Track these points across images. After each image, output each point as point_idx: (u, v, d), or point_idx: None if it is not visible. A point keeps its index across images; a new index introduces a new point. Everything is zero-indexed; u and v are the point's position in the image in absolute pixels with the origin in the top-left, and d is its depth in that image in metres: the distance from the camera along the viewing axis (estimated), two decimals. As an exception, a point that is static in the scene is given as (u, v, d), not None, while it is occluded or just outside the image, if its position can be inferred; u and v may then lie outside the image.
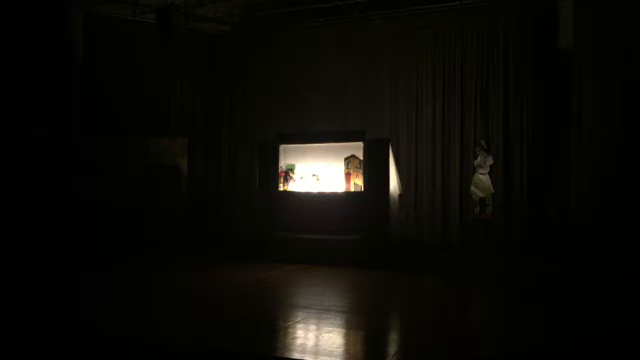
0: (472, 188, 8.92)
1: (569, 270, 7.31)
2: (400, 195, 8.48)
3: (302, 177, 8.48)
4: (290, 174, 8.49)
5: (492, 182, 8.79)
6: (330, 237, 7.83)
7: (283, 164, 8.54)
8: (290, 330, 4.72)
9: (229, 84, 11.06)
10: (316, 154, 8.47)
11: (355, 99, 10.16)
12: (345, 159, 8.27)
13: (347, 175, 8.22)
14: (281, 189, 8.44)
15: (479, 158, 8.87)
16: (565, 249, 7.90)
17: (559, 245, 8.07)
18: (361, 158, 8.10)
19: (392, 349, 4.50)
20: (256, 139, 10.05)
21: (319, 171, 8.47)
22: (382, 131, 9.64)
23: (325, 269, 7.38)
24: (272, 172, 8.41)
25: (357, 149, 8.17)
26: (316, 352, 4.18)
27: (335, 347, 4.28)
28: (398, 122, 9.86)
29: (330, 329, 4.75)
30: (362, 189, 8.03)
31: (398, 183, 8.43)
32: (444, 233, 9.34)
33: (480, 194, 8.82)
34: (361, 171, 8.08)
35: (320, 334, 4.63)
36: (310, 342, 4.46)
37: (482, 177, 8.82)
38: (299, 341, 4.43)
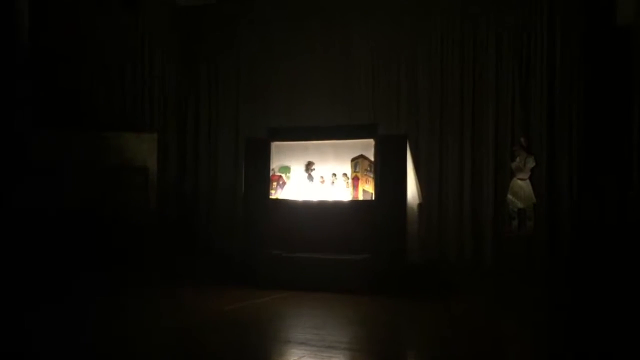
0: (510, 197, 8.93)
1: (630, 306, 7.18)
2: (420, 205, 8.47)
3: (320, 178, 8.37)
4: (284, 178, 8.49)
5: (533, 190, 8.77)
6: (333, 257, 7.82)
7: (275, 165, 8.52)
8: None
9: (210, 66, 11.07)
10: (316, 154, 8.48)
11: (364, 85, 10.17)
12: (353, 160, 8.25)
13: (355, 180, 8.20)
14: (273, 196, 8.42)
15: (517, 159, 8.89)
16: (623, 274, 7.88)
17: (615, 269, 8.05)
18: (372, 159, 8.09)
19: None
20: (242, 135, 10.00)
21: (318, 175, 8.46)
22: (398, 126, 9.64)
23: (327, 296, 7.36)
24: (261, 176, 8.40)
25: (366, 147, 8.16)
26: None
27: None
28: (417, 114, 9.80)
29: (333, 371, 4.71)
30: (373, 197, 8.02)
31: (417, 190, 8.43)
32: (473, 252, 9.35)
33: (519, 204, 8.85)
34: (372, 175, 8.06)
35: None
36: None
37: (522, 184, 8.83)
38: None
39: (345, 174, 8.24)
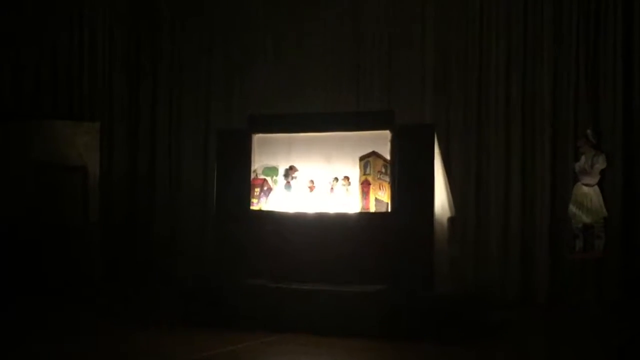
0: (572, 208, 8.97)
1: None
2: (451, 219, 8.37)
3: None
4: (270, 183, 8.37)
5: (603, 199, 8.79)
6: (336, 288, 7.73)
7: (258, 165, 8.39)
8: None
9: (173, 35, 11.20)
10: (313, 151, 8.33)
11: (377, 61, 10.27)
12: (362, 158, 8.07)
13: (365, 185, 8.04)
14: (255, 207, 8.33)
15: (582, 159, 8.96)
16: None
17: None
18: (387, 157, 7.95)
19: None
20: (215, 125, 10.07)
21: (316, 179, 8.35)
22: (422, 113, 9.67)
23: (327, 341, 7.21)
24: (240, 180, 8.34)
25: (380, 141, 8.02)
26: None
27: None
28: (448, 98, 9.87)
29: None
30: (389, 208, 7.90)
31: (448, 199, 8.32)
32: (523, 281, 9.46)
33: (585, 218, 8.93)
34: (387, 179, 7.93)
35: None
36: None
37: (588, 191, 8.90)
38: None
39: (346, 177, 8.13)
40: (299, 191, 8.33)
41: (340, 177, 8.19)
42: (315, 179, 8.32)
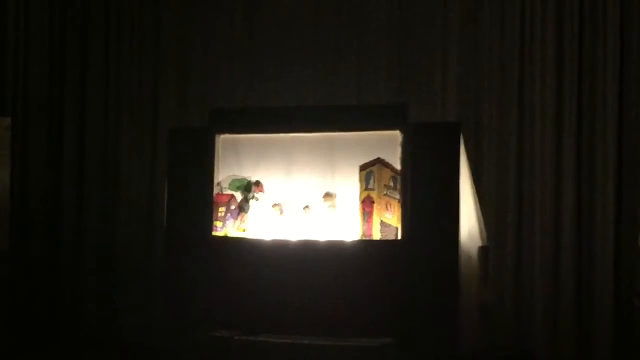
0: None
1: None
2: (483, 250, 8.49)
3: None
4: (237, 200, 8.48)
5: None
6: (329, 343, 7.72)
7: (224, 177, 8.49)
8: None
9: (108, 7, 11.53)
10: (295, 159, 8.46)
11: (383, 40, 10.49)
12: (363, 168, 8.11)
13: (367, 203, 8.07)
14: (219, 232, 8.38)
15: None
16: None
17: None
18: (397, 166, 8.01)
19: None
20: (165, 124, 10.45)
21: (305, 198, 8.39)
22: (444, 108, 9.87)
23: None
24: (198, 196, 8.39)
25: (387, 145, 8.09)
26: None
27: None
28: (478, 88, 10.08)
29: None
30: (399, 235, 7.94)
31: (478, 222, 8.45)
32: (581, 333, 9.52)
33: None
34: (397, 195, 7.98)
35: None
36: None
37: None
38: None
39: (328, 194, 8.21)
40: (260, 214, 8.38)
41: (342, 197, 8.17)
42: (306, 201, 8.33)
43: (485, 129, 9.99)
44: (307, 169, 8.38)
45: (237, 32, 11.09)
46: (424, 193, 7.80)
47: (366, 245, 7.99)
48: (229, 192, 8.42)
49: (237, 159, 8.53)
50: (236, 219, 8.42)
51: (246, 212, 8.46)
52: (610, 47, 9.72)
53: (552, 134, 9.83)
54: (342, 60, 10.59)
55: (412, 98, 9.52)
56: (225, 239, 8.33)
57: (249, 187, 8.43)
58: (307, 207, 8.24)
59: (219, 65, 10.96)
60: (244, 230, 8.40)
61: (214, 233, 8.31)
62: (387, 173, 8.01)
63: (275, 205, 8.35)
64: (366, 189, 8.05)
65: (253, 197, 8.40)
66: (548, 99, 9.89)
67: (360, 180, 8.06)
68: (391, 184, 7.99)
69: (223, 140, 8.45)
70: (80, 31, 11.59)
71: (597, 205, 9.65)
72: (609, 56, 9.75)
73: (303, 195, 8.34)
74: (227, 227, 8.38)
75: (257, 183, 8.45)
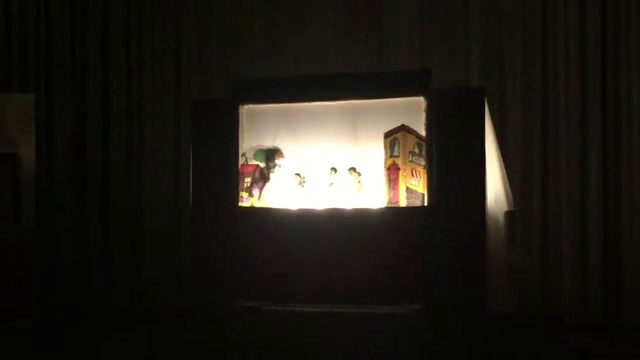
0: None
1: None
2: (509, 215, 8.46)
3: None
4: (266, 170, 8.41)
5: None
6: (357, 310, 7.71)
7: (249, 147, 8.46)
8: None
9: None
10: (320, 127, 8.43)
11: (404, 4, 10.53)
12: (387, 135, 8.09)
13: (392, 170, 8.06)
14: (245, 203, 8.38)
15: None
16: None
17: None
18: (422, 132, 7.98)
19: None
20: (188, 97, 10.35)
21: (325, 166, 8.37)
22: (468, 73, 9.94)
23: None
24: (224, 167, 8.37)
25: (411, 112, 8.04)
26: None
27: None
28: (503, 52, 10.05)
29: None
30: (425, 202, 7.94)
31: (505, 188, 8.43)
32: (608, 298, 9.47)
33: None
34: (422, 162, 7.97)
35: None
36: None
37: None
38: None
39: (352, 169, 8.21)
40: (283, 184, 8.39)
41: (343, 169, 8.19)
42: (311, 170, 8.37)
43: (509, 95, 10.07)
44: (331, 137, 8.35)
45: (260, 6, 11.10)
46: (450, 159, 7.79)
47: (393, 213, 7.99)
48: (254, 162, 8.42)
49: (261, 129, 8.50)
50: (262, 189, 8.43)
51: (268, 181, 8.46)
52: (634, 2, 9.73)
53: (575, 97, 9.87)
54: (363, 33, 10.65)
55: (435, 66, 9.51)
56: (251, 209, 8.35)
57: (271, 156, 8.44)
58: (333, 169, 8.20)
59: (243, 42, 11.04)
60: (263, 202, 8.44)
61: (240, 204, 8.32)
62: (412, 139, 7.99)
63: (297, 174, 8.34)
64: (391, 156, 8.03)
65: (275, 165, 8.41)
66: (570, 64, 9.91)
67: (385, 148, 8.06)
68: (416, 150, 7.98)
69: (247, 110, 8.46)
70: (102, 8, 11.66)
71: (623, 166, 9.70)
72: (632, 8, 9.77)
73: (327, 164, 8.30)
74: (253, 198, 8.39)
75: (277, 150, 8.44)
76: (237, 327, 7.90)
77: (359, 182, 8.15)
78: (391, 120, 8.07)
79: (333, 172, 8.24)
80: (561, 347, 8.11)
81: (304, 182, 8.31)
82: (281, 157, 8.36)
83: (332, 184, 8.24)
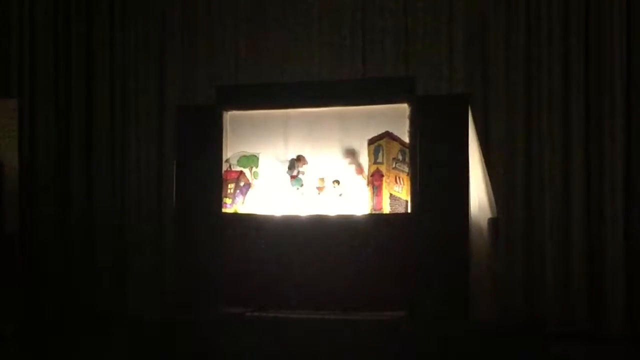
0: None
1: None
2: (492, 222, 8.45)
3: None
4: (246, 177, 8.40)
5: None
6: (340, 317, 7.73)
7: (232, 153, 8.43)
8: None
9: None
10: (303, 133, 8.42)
11: (388, 13, 10.54)
12: (371, 142, 8.07)
13: (376, 177, 8.03)
14: (229, 208, 8.35)
15: None
16: None
17: None
18: (405, 139, 7.97)
19: None
20: (171, 102, 10.48)
21: (313, 171, 8.35)
22: (451, 80, 9.97)
23: None
24: (207, 173, 8.36)
25: (395, 119, 8.05)
26: None
27: None
28: (487, 58, 10.06)
29: None
30: (409, 208, 7.92)
31: (488, 194, 8.43)
32: (592, 308, 9.61)
33: None
34: (406, 168, 7.96)
35: None
36: None
37: None
38: None
39: (336, 181, 8.20)
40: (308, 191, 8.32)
41: (328, 179, 8.18)
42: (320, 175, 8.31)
43: (492, 101, 10.07)
44: (314, 144, 8.33)
45: (242, 8, 11.08)
46: (433, 166, 7.77)
47: (376, 219, 7.98)
48: (238, 169, 8.38)
49: (245, 135, 8.45)
50: (245, 195, 8.39)
51: (300, 186, 8.36)
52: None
53: (558, 104, 9.90)
54: (347, 34, 10.64)
55: (420, 73, 9.65)
56: (235, 215, 8.29)
57: (293, 164, 8.31)
58: (336, 181, 8.17)
59: (226, 47, 11.02)
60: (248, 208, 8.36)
61: (224, 210, 8.28)
62: (396, 146, 7.98)
63: (320, 179, 8.25)
64: (375, 162, 8.02)
65: (298, 172, 8.32)
66: (553, 70, 9.92)
67: (369, 154, 8.04)
68: (400, 157, 7.97)
69: (231, 117, 8.43)
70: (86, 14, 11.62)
71: (606, 174, 9.70)
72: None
73: (313, 171, 8.27)
74: (236, 204, 8.34)
75: (300, 158, 8.33)
76: (221, 333, 7.85)
77: (340, 193, 8.16)
78: (375, 126, 8.07)
79: (336, 184, 8.21)
80: (544, 353, 8.15)
81: (324, 188, 8.25)
82: (304, 163, 8.29)
83: (341, 195, 8.20)
